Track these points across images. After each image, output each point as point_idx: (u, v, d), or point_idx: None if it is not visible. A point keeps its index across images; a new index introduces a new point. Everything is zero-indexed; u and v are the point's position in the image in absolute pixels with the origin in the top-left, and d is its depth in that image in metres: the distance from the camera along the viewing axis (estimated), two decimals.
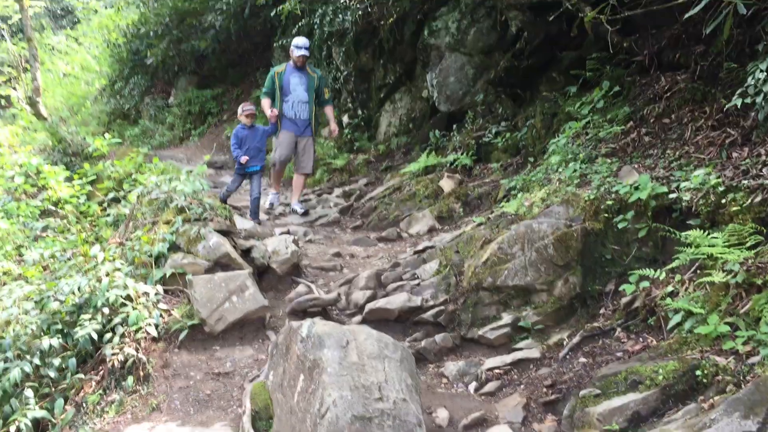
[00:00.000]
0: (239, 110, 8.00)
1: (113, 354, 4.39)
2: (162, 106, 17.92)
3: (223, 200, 7.62)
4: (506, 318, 4.93)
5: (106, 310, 4.65)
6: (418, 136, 9.96)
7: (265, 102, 8.49)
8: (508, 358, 4.70)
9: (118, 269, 5.05)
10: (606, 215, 4.94)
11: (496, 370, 4.65)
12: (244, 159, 7.74)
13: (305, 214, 8.41)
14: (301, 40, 8.34)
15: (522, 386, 4.44)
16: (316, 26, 11.22)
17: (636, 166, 5.28)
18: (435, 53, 9.26)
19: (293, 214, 8.43)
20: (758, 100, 4.38)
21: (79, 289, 4.77)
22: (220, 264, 5.32)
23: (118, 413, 4.10)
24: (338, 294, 5.56)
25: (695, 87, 5.70)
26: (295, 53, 8.25)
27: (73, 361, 4.51)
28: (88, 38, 21.43)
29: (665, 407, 3.58)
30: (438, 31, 9.14)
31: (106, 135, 9.41)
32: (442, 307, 5.20)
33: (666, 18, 6.03)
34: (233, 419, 3.86)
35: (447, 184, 7.89)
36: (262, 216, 8.19)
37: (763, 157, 4.63)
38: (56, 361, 4.53)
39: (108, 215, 6.69)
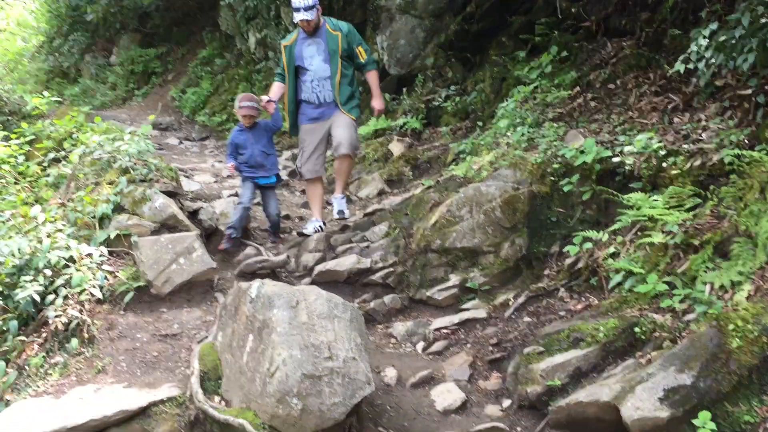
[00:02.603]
0: (235, 104, 6.12)
1: (56, 316, 4.29)
2: (103, 64, 17.37)
3: (236, 226, 5.72)
4: (454, 279, 5.00)
5: (48, 272, 4.53)
6: (367, 99, 9.88)
7: (272, 87, 6.24)
8: (456, 318, 4.79)
9: (60, 230, 4.91)
10: (552, 178, 5.02)
11: (444, 330, 4.74)
12: (231, 166, 6.02)
13: (343, 217, 6.09)
14: None
15: (468, 345, 4.54)
16: None
17: (582, 130, 5.38)
18: (385, 15, 9.16)
19: (337, 216, 6.08)
20: (700, 66, 4.48)
21: (19, 250, 4.62)
22: (167, 226, 5.22)
23: (62, 375, 4.03)
24: (287, 256, 5.54)
25: (640, 53, 5.81)
26: (296, 18, 5.79)
27: (14, 323, 4.39)
28: None
29: (605, 363, 3.72)
30: None
31: (45, 93, 9.07)
32: (391, 269, 5.25)
33: None
34: (181, 380, 3.83)
35: (397, 147, 7.89)
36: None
37: (703, 122, 4.77)
38: None
39: (48, 176, 6.47)
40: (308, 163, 6.05)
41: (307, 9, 5.70)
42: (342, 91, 5.92)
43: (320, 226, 5.98)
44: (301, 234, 6.01)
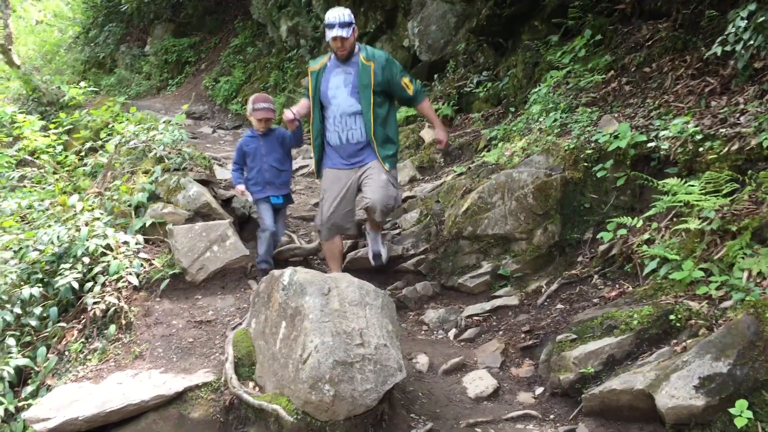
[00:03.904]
0: (248, 106, 5.27)
1: (95, 303, 4.39)
2: (138, 54, 17.59)
3: (266, 258, 5.01)
4: (486, 266, 4.99)
5: (86, 260, 4.64)
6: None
7: (300, 102, 5.33)
8: (488, 306, 4.78)
9: (98, 219, 5.02)
10: (585, 164, 4.96)
11: (476, 317, 4.73)
12: (240, 190, 5.21)
13: (380, 263, 5.15)
14: (334, 13, 4.79)
15: (500, 332, 4.53)
16: None
17: (616, 115, 5.29)
18: (416, 1, 9.11)
19: (373, 263, 5.15)
20: (738, 48, 4.38)
21: (58, 238, 4.75)
22: (201, 214, 5.30)
23: (100, 361, 4.13)
24: (320, 243, 5.57)
25: (676, 36, 5.68)
26: (328, 36, 4.85)
27: (54, 309, 4.52)
28: None
29: (639, 351, 3.67)
30: None
31: (82, 84, 9.24)
32: (423, 256, 5.25)
33: None
34: (216, 366, 3.90)
35: (428, 134, 7.86)
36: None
37: (741, 106, 4.65)
38: (37, 310, 4.54)
39: (85, 165, 6.60)
40: (328, 221, 4.93)
41: (342, 25, 4.74)
42: (378, 134, 4.87)
43: None
44: None
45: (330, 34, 4.79)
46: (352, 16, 4.85)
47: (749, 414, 2.97)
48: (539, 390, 3.89)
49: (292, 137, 5.26)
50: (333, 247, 5.06)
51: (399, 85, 4.93)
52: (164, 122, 6.14)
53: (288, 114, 5.00)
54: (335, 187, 4.94)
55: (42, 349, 4.35)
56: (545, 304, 4.62)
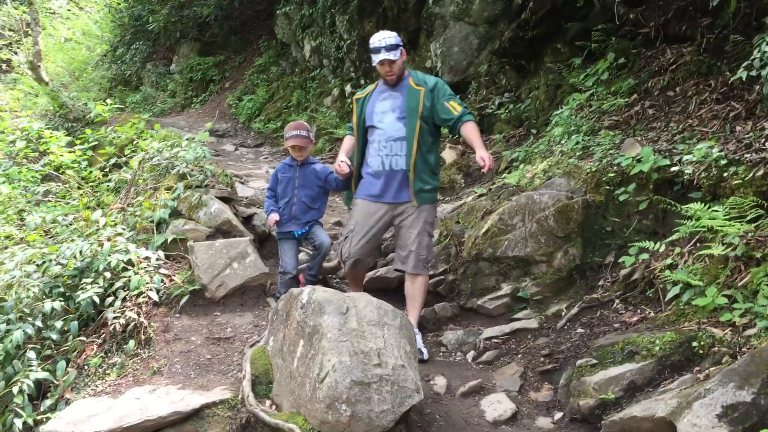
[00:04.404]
0: (285, 133, 5.05)
1: (115, 317, 4.43)
2: (163, 72, 17.85)
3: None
4: (505, 288, 4.96)
5: (107, 275, 4.69)
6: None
7: (345, 141, 5.06)
8: (507, 328, 4.74)
9: (120, 234, 5.07)
10: (607, 187, 4.93)
11: (495, 340, 4.69)
12: (272, 220, 4.92)
13: (421, 359, 4.44)
14: (379, 37, 4.58)
15: (519, 356, 4.48)
16: None
17: (639, 138, 5.26)
18: (439, 22, 9.16)
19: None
20: (763, 73, 4.35)
21: (80, 253, 4.80)
22: (221, 231, 5.34)
23: (119, 376, 4.15)
24: (339, 262, 5.57)
25: (701, 60, 5.65)
26: (374, 61, 4.62)
27: (74, 324, 4.56)
28: (90, 2, 21.25)
29: (661, 377, 3.62)
30: (443, 0, 9.04)
31: (108, 101, 9.37)
32: (442, 277, 5.23)
33: None
34: (233, 383, 3.90)
35: (449, 154, 7.87)
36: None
37: (767, 131, 4.61)
38: (58, 324, 4.58)
39: (109, 181, 6.68)
40: (354, 256, 4.73)
41: (389, 48, 4.53)
42: (418, 164, 4.58)
43: None
44: None
45: (376, 58, 4.57)
46: (399, 38, 4.62)
47: None
48: (558, 415, 3.84)
49: (336, 181, 4.93)
50: (357, 273, 4.97)
51: (443, 106, 4.58)
52: (187, 139, 6.21)
53: (343, 168, 4.73)
54: (366, 223, 4.69)
55: (62, 363, 4.39)
56: (565, 327, 4.58)
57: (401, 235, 4.67)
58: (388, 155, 4.62)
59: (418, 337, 4.57)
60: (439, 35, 9.10)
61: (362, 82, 11.34)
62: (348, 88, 11.56)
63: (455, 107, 4.58)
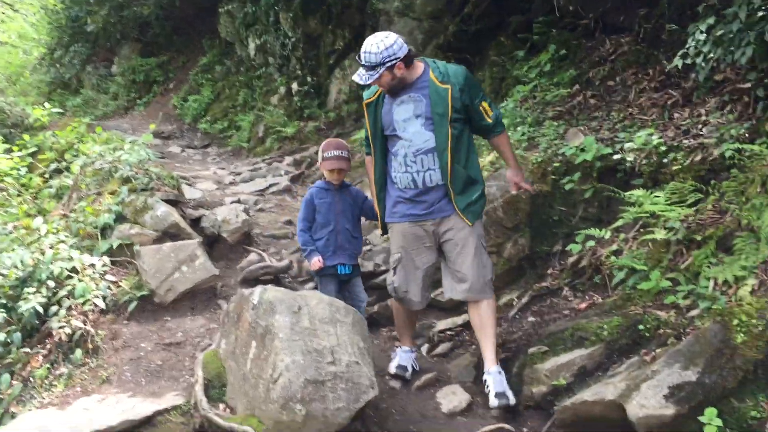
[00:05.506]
0: (319, 152, 4.44)
1: (60, 327, 4.30)
2: (104, 75, 17.43)
3: None
4: None
5: (51, 283, 4.54)
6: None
7: (367, 165, 4.29)
8: (460, 320, 4.78)
9: (63, 241, 4.92)
10: (553, 177, 5.01)
11: (448, 332, 4.73)
12: (316, 263, 4.26)
13: (507, 404, 3.77)
14: (364, 47, 3.79)
15: (473, 347, 4.52)
16: None
17: (582, 128, 5.36)
18: (384, 18, 9.17)
19: (496, 404, 3.77)
20: (698, 60, 4.46)
21: (21, 262, 4.64)
22: (169, 234, 5.23)
23: (66, 386, 4.03)
24: (290, 261, 5.53)
25: (639, 49, 5.80)
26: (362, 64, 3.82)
27: (18, 335, 4.40)
28: (25, 4, 20.61)
29: (610, 361, 3.70)
30: None
31: (47, 105, 9.10)
32: None
33: None
34: (185, 388, 3.83)
35: None
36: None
37: (703, 117, 4.75)
38: (0, 336, 4.42)
39: (50, 187, 6.49)
40: (402, 282, 4.06)
41: (369, 67, 3.77)
42: (456, 176, 3.87)
43: (412, 362, 4.26)
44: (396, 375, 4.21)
45: (354, 77, 3.88)
46: (391, 49, 3.73)
47: (719, 422, 2.99)
48: (513, 403, 3.89)
49: (373, 210, 4.32)
50: (406, 318, 4.34)
51: (478, 111, 3.89)
52: (130, 142, 6.07)
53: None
54: (410, 248, 4.00)
55: (6, 376, 4.23)
56: (517, 317, 4.64)
57: (452, 258, 3.97)
58: (420, 171, 3.88)
59: (503, 377, 3.89)
60: (384, 31, 9.10)
61: (308, 80, 11.27)
62: (295, 86, 11.48)
63: (487, 111, 3.93)
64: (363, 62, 3.78)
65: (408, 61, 3.81)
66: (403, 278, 4.03)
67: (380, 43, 3.74)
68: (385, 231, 4.21)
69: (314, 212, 4.31)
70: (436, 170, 3.86)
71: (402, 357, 4.26)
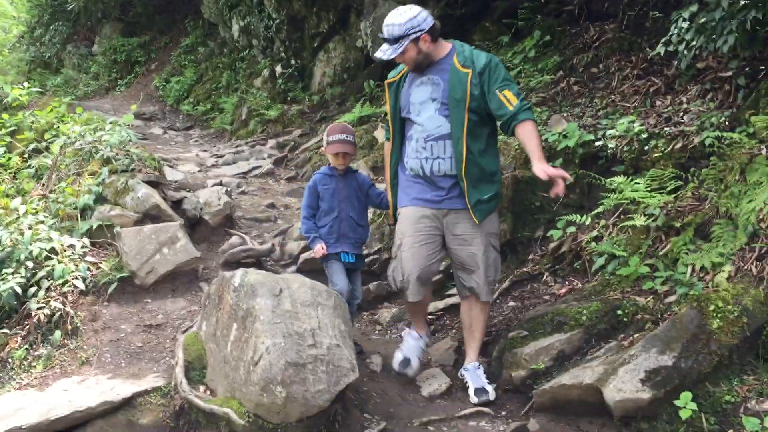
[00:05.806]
0: (323, 138, 4.26)
1: (39, 308, 4.27)
2: (86, 54, 17.20)
3: None
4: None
5: (29, 264, 4.50)
6: (352, 87, 9.85)
7: (386, 151, 4.17)
8: (441, 304, 4.80)
9: (42, 222, 4.88)
10: None
11: (429, 316, 4.74)
12: (319, 250, 4.11)
13: (487, 400, 3.76)
14: (387, 20, 3.66)
15: (454, 331, 4.55)
16: None
17: (565, 114, 5.38)
18: (369, 1, 9.11)
19: (476, 401, 3.77)
20: (681, 48, 4.49)
21: (0, 242, 4.60)
22: (150, 216, 5.20)
23: (46, 368, 4.01)
24: (272, 245, 5.53)
25: (622, 36, 5.82)
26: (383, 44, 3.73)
27: None
28: None
29: (588, 346, 3.74)
30: None
31: (26, 84, 8.97)
32: (377, 256, 5.26)
33: None
34: (166, 370, 3.83)
35: (381, 134, 7.86)
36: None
37: (685, 105, 4.79)
38: None
39: (29, 167, 6.41)
40: (414, 277, 3.83)
41: (392, 41, 3.64)
42: (470, 169, 3.67)
43: (418, 353, 4.06)
44: (400, 374, 4.04)
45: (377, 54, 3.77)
46: (414, 20, 3.59)
47: (693, 405, 3.04)
48: (492, 387, 3.92)
49: (380, 197, 4.26)
50: (422, 305, 4.15)
51: (495, 97, 3.58)
52: (111, 123, 6.00)
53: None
54: (417, 231, 3.80)
55: None
56: (497, 301, 4.67)
57: (457, 252, 3.84)
58: (428, 158, 3.73)
59: (481, 373, 3.89)
60: (369, 14, 9.05)
61: (293, 62, 11.19)
62: (279, 69, 11.40)
63: (510, 99, 3.57)
64: (386, 36, 3.64)
65: (434, 34, 3.65)
66: (408, 264, 3.83)
67: (403, 14, 3.60)
68: (396, 220, 4.02)
69: (318, 199, 4.16)
70: (446, 159, 3.70)
71: (408, 346, 4.07)
